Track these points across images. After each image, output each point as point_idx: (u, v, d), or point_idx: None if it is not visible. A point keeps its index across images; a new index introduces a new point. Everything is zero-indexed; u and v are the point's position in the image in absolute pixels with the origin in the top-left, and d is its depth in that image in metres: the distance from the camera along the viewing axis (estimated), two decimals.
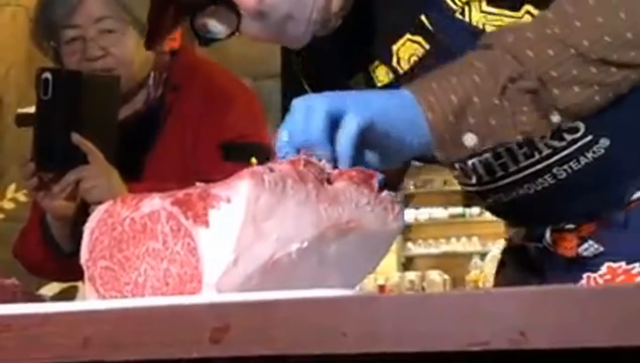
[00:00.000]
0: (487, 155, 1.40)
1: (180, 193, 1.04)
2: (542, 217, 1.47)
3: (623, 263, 1.41)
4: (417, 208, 11.53)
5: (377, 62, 1.44)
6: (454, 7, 1.34)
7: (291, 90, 1.60)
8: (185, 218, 1.01)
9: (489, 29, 1.33)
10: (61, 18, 2.19)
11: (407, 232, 11.61)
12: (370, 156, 1.19)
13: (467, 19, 1.34)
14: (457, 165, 1.45)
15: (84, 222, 2.04)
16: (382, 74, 1.44)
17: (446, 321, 0.70)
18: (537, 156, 1.39)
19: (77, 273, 2.24)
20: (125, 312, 0.85)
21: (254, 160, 1.99)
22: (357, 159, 1.15)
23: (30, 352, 0.83)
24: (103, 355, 0.80)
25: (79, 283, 2.59)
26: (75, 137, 2.06)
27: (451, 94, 1.17)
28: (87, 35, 2.17)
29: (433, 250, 11.56)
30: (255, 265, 0.99)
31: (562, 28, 1.21)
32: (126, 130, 2.20)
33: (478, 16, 1.33)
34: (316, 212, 1.04)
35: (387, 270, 10.56)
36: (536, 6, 1.31)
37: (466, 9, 1.34)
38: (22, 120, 2.24)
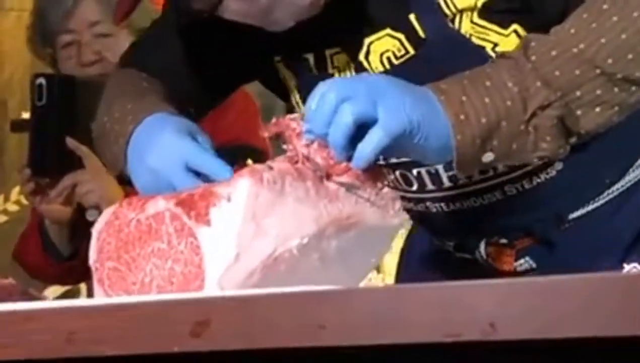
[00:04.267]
0: (438, 166, 1.37)
1: (183, 194, 1.06)
2: (478, 229, 1.46)
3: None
4: None
5: (337, 49, 1.39)
6: (447, 12, 1.31)
7: None
8: (188, 218, 1.04)
9: (475, 40, 1.31)
10: (56, 23, 2.20)
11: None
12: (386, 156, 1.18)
13: (457, 27, 1.32)
14: (397, 172, 1.41)
15: (81, 225, 2.08)
16: (341, 63, 1.39)
17: (422, 313, 0.72)
18: (491, 173, 1.37)
19: (76, 276, 2.29)
20: (108, 308, 0.87)
21: (249, 162, 2.00)
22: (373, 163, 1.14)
23: (14, 349, 0.84)
24: (86, 350, 0.82)
25: (81, 286, 2.61)
26: (71, 142, 2.07)
27: (483, 116, 1.16)
28: (82, 39, 2.19)
29: None
30: (257, 262, 1.01)
31: (587, 45, 1.19)
32: None
33: (467, 26, 1.31)
34: (316, 208, 1.06)
35: (392, 269, 10.50)
36: (524, 27, 1.30)
37: (458, 17, 1.31)
38: (17, 126, 2.26)
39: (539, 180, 1.38)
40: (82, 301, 0.98)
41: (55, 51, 2.24)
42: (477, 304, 0.69)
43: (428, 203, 1.43)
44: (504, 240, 1.44)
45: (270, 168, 1.05)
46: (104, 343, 0.80)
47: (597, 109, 1.20)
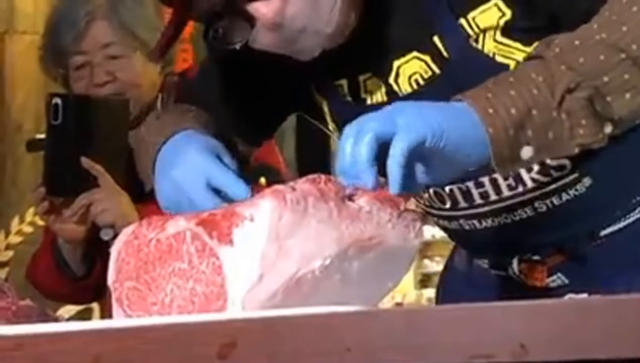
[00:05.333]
0: (469, 183, 1.39)
1: (204, 214, 1.06)
2: (512, 246, 1.47)
3: (585, 296, 1.42)
4: (434, 225, 11.49)
5: (369, 74, 1.42)
6: (470, 33, 1.33)
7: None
8: (210, 238, 1.03)
9: (499, 59, 1.32)
10: (68, 45, 2.21)
11: (425, 249, 11.55)
12: (421, 173, 1.17)
13: (480, 46, 1.33)
14: (430, 190, 1.43)
15: (95, 245, 2.08)
16: (373, 87, 1.42)
17: (448, 334, 0.71)
18: (520, 189, 1.38)
19: (89, 296, 2.29)
20: (134, 331, 0.86)
21: (262, 180, 2.00)
22: (409, 181, 1.14)
23: None
24: None
25: (94, 305, 2.61)
26: (85, 161, 2.08)
27: (511, 107, 1.15)
28: (94, 61, 2.19)
29: None
30: (279, 283, 1.01)
31: (609, 34, 1.20)
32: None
33: (491, 45, 1.33)
34: (338, 229, 1.06)
35: (405, 288, 10.49)
36: None
37: (481, 36, 1.33)
38: (33, 146, 2.26)
39: (568, 197, 1.38)
40: (107, 322, 0.97)
41: (67, 72, 2.24)
42: (507, 325, 0.69)
43: (461, 221, 1.45)
44: (536, 257, 1.45)
45: (294, 189, 1.05)
46: None
47: (628, 95, 1.20)
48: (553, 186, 1.37)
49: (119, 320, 1.04)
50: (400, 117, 1.13)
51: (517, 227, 1.41)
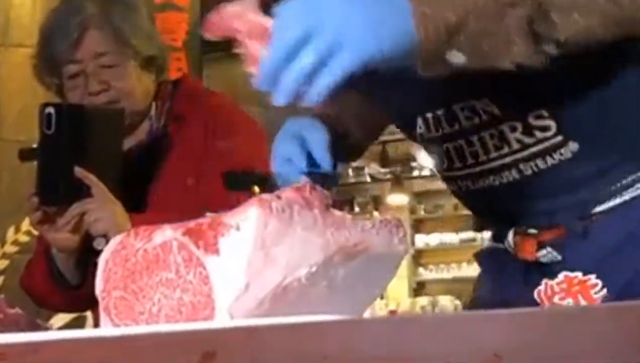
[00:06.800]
0: (460, 141, 1.42)
1: (191, 224, 1.07)
2: (507, 215, 1.49)
3: (579, 274, 1.42)
4: (428, 233, 11.52)
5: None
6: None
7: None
8: (196, 247, 1.04)
9: None
10: (62, 54, 2.21)
11: (418, 257, 11.61)
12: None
13: None
14: (432, 149, 1.47)
15: (88, 254, 2.09)
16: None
17: (423, 343, 0.72)
18: (506, 149, 1.40)
19: (82, 304, 2.30)
20: (115, 340, 0.87)
21: (256, 189, 2.01)
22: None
23: None
24: None
25: (87, 313, 2.62)
26: (79, 171, 2.08)
27: (448, 10, 1.14)
28: (88, 70, 2.20)
29: (444, 275, 11.54)
30: (266, 291, 1.02)
31: None
32: (130, 161, 2.22)
33: None
34: (323, 236, 1.06)
35: (399, 296, 10.54)
36: None
37: None
38: (26, 154, 2.27)
39: (553, 161, 1.39)
40: (89, 332, 0.98)
41: (61, 81, 2.25)
42: (480, 334, 0.70)
43: (459, 182, 1.48)
44: (532, 231, 1.46)
45: (279, 197, 1.06)
46: None
47: (575, 15, 1.17)
48: (538, 148, 1.39)
49: (100, 330, 1.05)
50: (349, 31, 1.11)
51: (507, 191, 1.43)
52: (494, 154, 1.42)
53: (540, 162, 1.40)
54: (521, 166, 1.41)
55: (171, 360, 0.79)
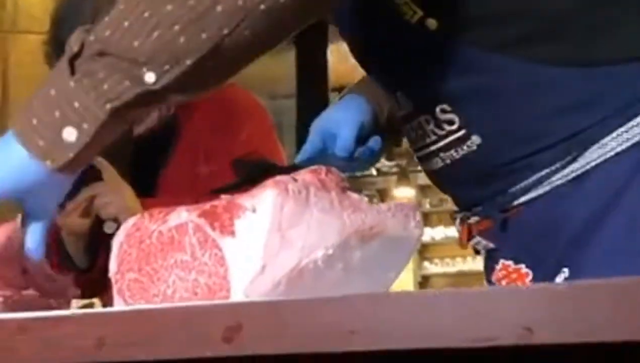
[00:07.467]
0: (413, 122, 1.45)
1: (206, 205, 1.06)
2: (455, 202, 1.53)
3: (511, 262, 1.44)
4: (433, 227, 11.52)
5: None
6: None
7: (306, 109, 1.66)
8: (212, 229, 1.04)
9: None
10: None
11: (424, 250, 11.61)
12: None
13: None
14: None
15: (98, 238, 2.09)
16: None
17: (453, 317, 0.72)
18: (427, 140, 1.44)
19: (91, 289, 2.29)
20: (139, 313, 0.86)
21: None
22: None
23: (45, 354, 0.84)
24: (117, 355, 0.82)
25: (95, 300, 2.62)
26: None
27: (32, 99, 1.15)
28: None
29: (449, 268, 11.55)
30: (282, 273, 1.01)
31: None
32: (140, 146, 2.22)
33: None
34: (340, 218, 1.06)
35: (404, 289, 10.52)
36: None
37: None
38: None
39: (463, 153, 1.41)
40: (110, 308, 0.98)
41: None
42: (510, 309, 0.69)
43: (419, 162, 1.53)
44: (475, 218, 1.48)
45: (295, 179, 1.05)
46: (134, 348, 0.80)
47: (155, 33, 1.12)
48: (448, 140, 1.41)
49: (122, 306, 1.05)
50: None
51: (440, 178, 1.48)
52: (420, 143, 1.46)
53: (454, 153, 1.43)
54: (442, 155, 1.44)
55: (196, 334, 0.79)
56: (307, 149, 1.64)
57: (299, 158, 1.65)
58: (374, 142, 1.64)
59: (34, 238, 1.20)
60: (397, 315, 0.73)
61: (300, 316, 0.77)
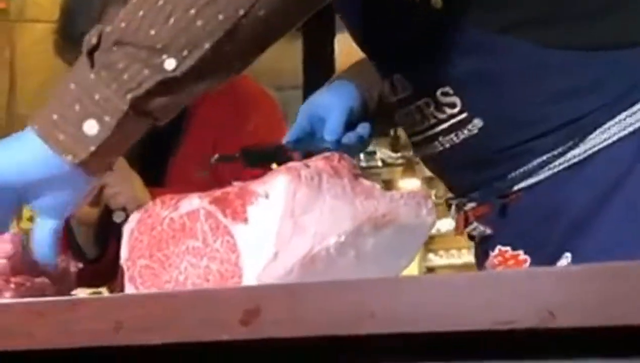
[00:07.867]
0: (411, 106, 1.44)
1: (218, 192, 1.06)
2: (450, 188, 1.52)
3: (509, 249, 1.43)
4: (438, 218, 11.51)
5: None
6: None
7: None
8: (223, 216, 1.03)
9: None
10: (84, 28, 2.20)
11: (429, 242, 11.60)
12: None
13: None
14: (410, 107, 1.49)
15: (107, 227, 2.09)
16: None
17: (475, 300, 0.71)
18: (427, 123, 1.43)
19: (100, 279, 2.29)
20: (156, 297, 0.86)
21: (275, 166, 2.01)
22: None
23: (63, 338, 0.84)
24: (134, 339, 0.82)
25: (103, 289, 2.62)
26: None
27: (51, 96, 1.14)
28: None
29: (455, 260, 11.53)
30: (295, 260, 1.01)
31: None
32: (149, 136, 2.22)
33: None
34: (352, 205, 1.06)
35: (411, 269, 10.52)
36: None
37: None
38: None
39: (464, 136, 1.40)
40: (127, 292, 0.98)
41: None
42: (533, 291, 0.69)
43: (414, 149, 1.53)
44: (472, 204, 1.47)
45: (307, 165, 1.05)
46: (151, 332, 0.80)
47: (172, 20, 1.13)
48: (449, 123, 1.40)
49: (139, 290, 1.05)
50: None
51: (437, 163, 1.47)
52: (420, 127, 1.45)
53: (454, 137, 1.42)
54: (441, 139, 1.43)
55: (214, 318, 0.79)
56: (295, 130, 1.65)
57: (285, 138, 1.66)
58: (363, 128, 1.64)
59: (43, 236, 1.20)
60: (416, 298, 0.73)
61: (319, 300, 0.76)
